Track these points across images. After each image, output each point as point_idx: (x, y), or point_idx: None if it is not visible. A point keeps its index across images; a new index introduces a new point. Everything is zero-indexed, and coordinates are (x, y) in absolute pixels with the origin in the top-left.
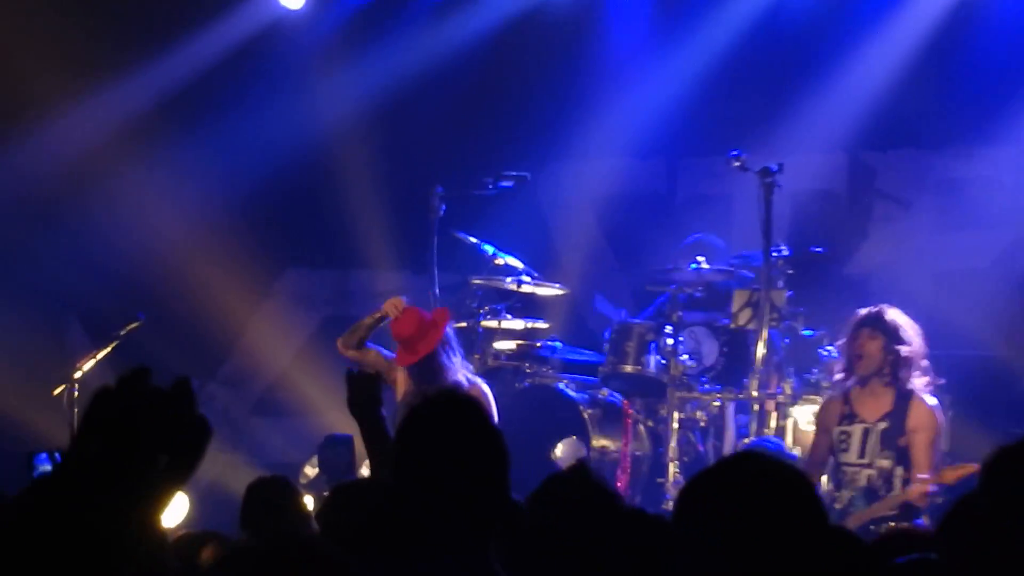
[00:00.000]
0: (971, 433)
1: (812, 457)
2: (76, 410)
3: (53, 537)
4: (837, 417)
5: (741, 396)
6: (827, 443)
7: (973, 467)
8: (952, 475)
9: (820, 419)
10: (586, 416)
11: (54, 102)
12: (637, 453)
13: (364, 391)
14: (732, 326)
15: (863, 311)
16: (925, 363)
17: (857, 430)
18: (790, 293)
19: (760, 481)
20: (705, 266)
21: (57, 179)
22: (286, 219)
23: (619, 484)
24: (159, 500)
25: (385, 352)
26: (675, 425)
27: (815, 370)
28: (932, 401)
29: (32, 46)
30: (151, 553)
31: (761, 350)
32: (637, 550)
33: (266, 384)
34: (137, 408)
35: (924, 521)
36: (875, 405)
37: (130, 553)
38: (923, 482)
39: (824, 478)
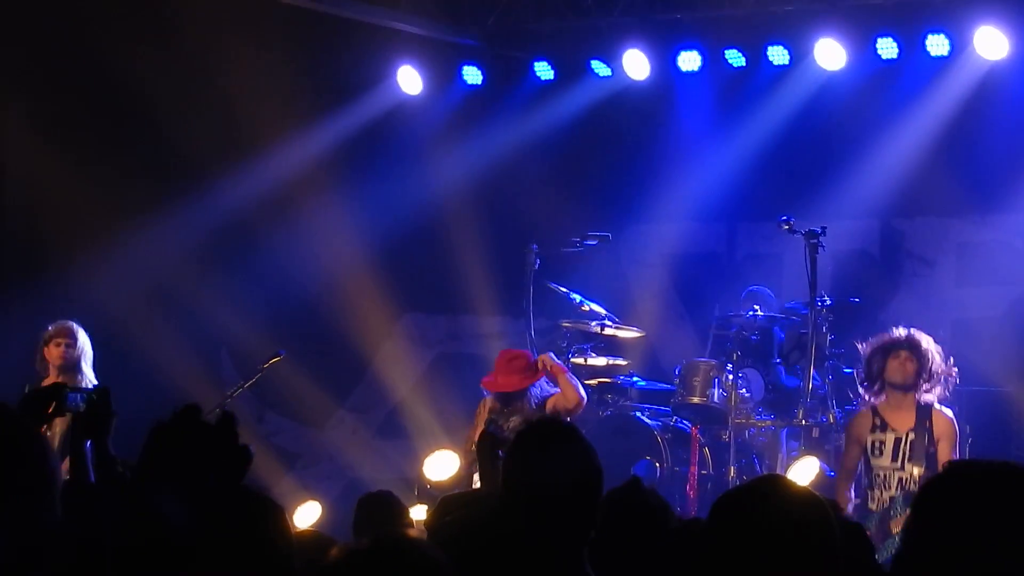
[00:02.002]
0: (987, 456)
1: (844, 464)
2: None
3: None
4: (869, 428)
5: (791, 423)
6: (858, 452)
7: None
8: None
9: (849, 432)
10: (660, 440)
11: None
12: (703, 473)
13: (491, 444)
14: (783, 364)
15: (897, 333)
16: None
17: (889, 438)
18: (832, 336)
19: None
20: (760, 313)
21: (212, 238)
22: (405, 271)
23: (689, 500)
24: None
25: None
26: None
27: (855, 402)
28: (949, 412)
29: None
30: (276, 549)
31: (809, 384)
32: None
33: (387, 410)
34: (186, 438)
35: None
36: (902, 417)
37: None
38: None
39: None
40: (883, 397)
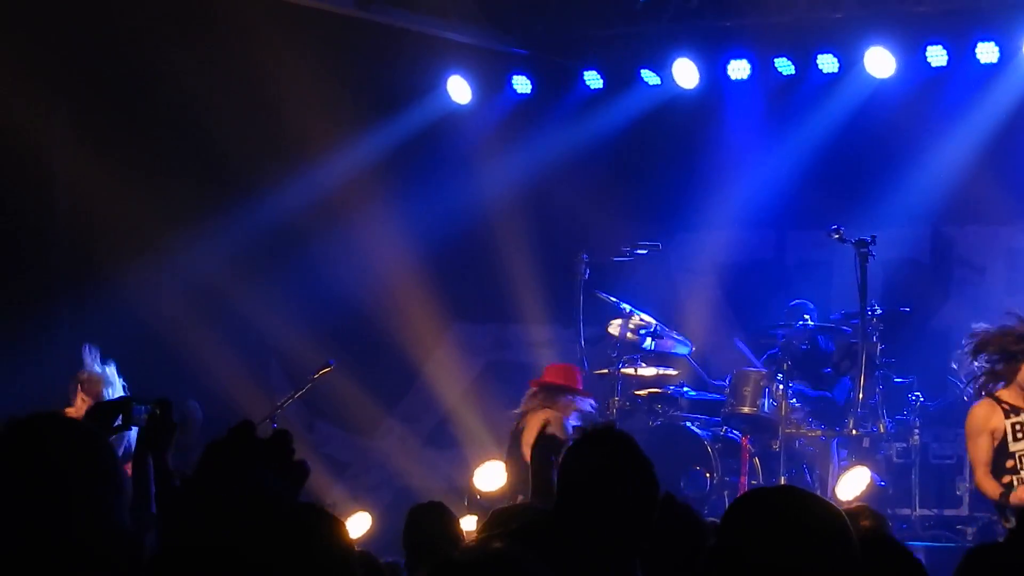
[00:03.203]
0: None
1: (980, 457)
2: None
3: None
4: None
5: (842, 433)
6: (988, 443)
7: None
8: None
9: (978, 424)
10: (710, 450)
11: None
12: (753, 483)
13: (549, 445)
14: (833, 374)
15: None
16: None
17: None
18: (883, 346)
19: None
20: (811, 323)
21: (261, 245)
22: (454, 280)
23: None
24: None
25: None
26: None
27: (905, 411)
28: None
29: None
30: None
31: (859, 394)
32: None
33: (437, 419)
34: (242, 455)
35: None
36: None
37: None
38: None
39: None
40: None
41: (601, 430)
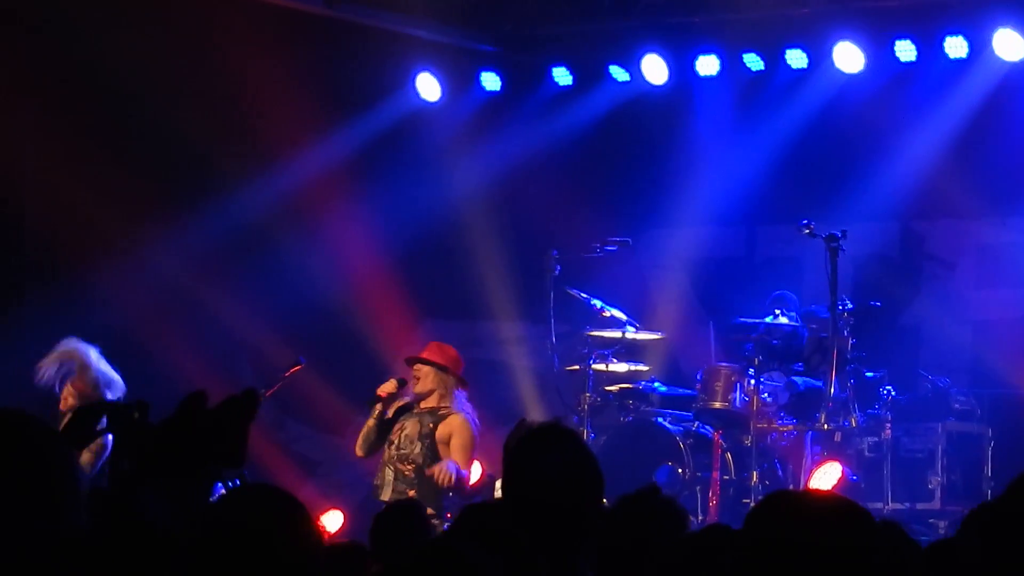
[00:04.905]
0: (1009, 460)
1: None
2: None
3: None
4: None
5: (814, 427)
6: None
7: None
8: None
9: None
10: (682, 446)
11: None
12: (725, 478)
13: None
14: (804, 369)
15: None
16: None
17: None
18: (853, 341)
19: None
20: (782, 319)
21: (229, 243)
22: (424, 277)
23: (711, 506)
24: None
25: None
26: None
27: (877, 406)
28: None
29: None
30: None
31: (831, 388)
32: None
33: None
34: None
35: None
36: None
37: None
38: None
39: None
40: None
41: (544, 426)
